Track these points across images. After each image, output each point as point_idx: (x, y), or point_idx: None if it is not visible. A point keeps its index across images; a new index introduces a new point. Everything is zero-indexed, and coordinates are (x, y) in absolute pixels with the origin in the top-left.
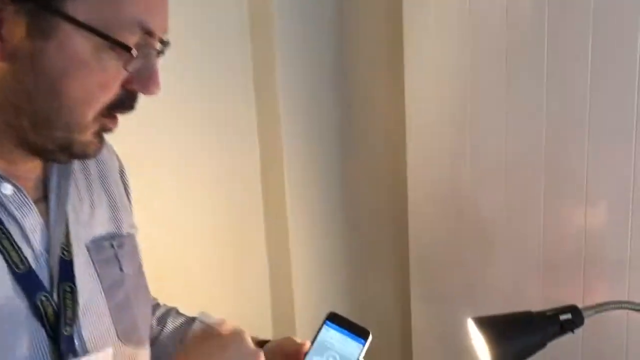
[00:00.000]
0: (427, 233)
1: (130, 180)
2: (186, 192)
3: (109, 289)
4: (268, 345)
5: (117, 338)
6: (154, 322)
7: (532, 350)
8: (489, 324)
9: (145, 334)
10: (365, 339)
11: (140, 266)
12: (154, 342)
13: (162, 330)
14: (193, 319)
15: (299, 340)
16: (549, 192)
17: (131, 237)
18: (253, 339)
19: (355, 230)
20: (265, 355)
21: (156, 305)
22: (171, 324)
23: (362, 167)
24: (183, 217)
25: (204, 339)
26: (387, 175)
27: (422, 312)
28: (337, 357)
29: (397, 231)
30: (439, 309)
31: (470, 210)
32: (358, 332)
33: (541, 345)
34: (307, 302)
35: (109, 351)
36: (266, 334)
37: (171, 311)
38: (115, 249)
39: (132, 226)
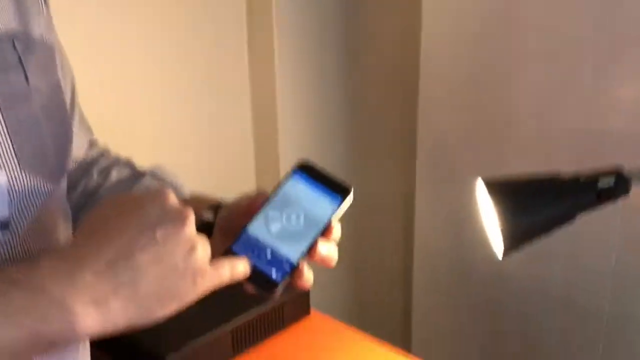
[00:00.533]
0: (438, 118)
1: None
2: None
3: (8, 102)
4: (224, 206)
5: (15, 163)
6: (95, 174)
7: (556, 223)
8: (503, 188)
9: (59, 168)
10: (344, 196)
11: (57, 84)
12: (92, 195)
13: (103, 182)
14: (144, 174)
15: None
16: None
17: (46, 46)
18: (210, 202)
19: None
20: (221, 220)
21: (102, 154)
22: (115, 176)
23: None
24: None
25: (117, 199)
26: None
27: (428, 194)
28: (302, 216)
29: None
30: (446, 190)
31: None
32: (335, 188)
33: (569, 216)
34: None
35: (2, 178)
36: (249, 186)
37: (119, 162)
38: (18, 52)
39: (50, 34)
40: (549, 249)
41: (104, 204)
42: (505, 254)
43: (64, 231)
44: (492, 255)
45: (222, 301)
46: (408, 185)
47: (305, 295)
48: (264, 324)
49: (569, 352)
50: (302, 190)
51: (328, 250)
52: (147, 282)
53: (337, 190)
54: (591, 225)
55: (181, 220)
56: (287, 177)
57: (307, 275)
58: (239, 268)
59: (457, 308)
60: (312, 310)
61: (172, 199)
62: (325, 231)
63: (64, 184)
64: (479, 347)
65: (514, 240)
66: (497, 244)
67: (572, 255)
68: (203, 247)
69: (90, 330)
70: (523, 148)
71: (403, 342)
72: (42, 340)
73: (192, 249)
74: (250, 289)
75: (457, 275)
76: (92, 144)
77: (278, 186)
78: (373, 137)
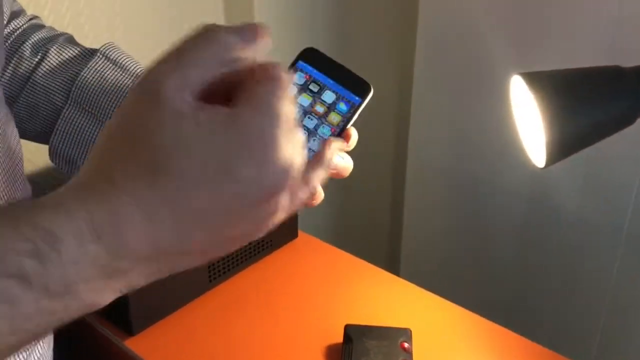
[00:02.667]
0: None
1: None
2: None
3: None
4: None
5: None
6: (27, 52)
7: (614, 125)
8: (548, 84)
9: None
10: (362, 96)
11: None
12: (26, 82)
13: (39, 63)
14: (93, 53)
15: None
16: None
17: None
18: None
19: None
20: None
21: (32, 25)
22: (55, 56)
23: None
24: None
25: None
26: None
27: (426, 96)
28: (311, 120)
29: None
30: (449, 92)
31: None
32: (351, 84)
33: (630, 116)
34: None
35: None
36: None
37: (57, 36)
38: None
39: None
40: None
41: (163, 101)
42: (548, 162)
43: (12, 134)
44: (500, 171)
45: None
46: (403, 85)
47: (292, 218)
48: (250, 247)
49: (580, 270)
50: (309, 87)
51: (344, 160)
52: (224, 249)
53: (354, 87)
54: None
55: (277, 189)
56: (289, 68)
57: (319, 192)
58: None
59: (452, 233)
60: (300, 233)
61: (283, 148)
62: (341, 137)
63: None
64: (472, 275)
65: (561, 147)
66: (536, 152)
67: (592, 174)
68: (291, 205)
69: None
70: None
71: (391, 266)
72: (44, 332)
73: (272, 214)
74: None
75: (455, 195)
76: (15, 12)
77: None
78: (364, 22)
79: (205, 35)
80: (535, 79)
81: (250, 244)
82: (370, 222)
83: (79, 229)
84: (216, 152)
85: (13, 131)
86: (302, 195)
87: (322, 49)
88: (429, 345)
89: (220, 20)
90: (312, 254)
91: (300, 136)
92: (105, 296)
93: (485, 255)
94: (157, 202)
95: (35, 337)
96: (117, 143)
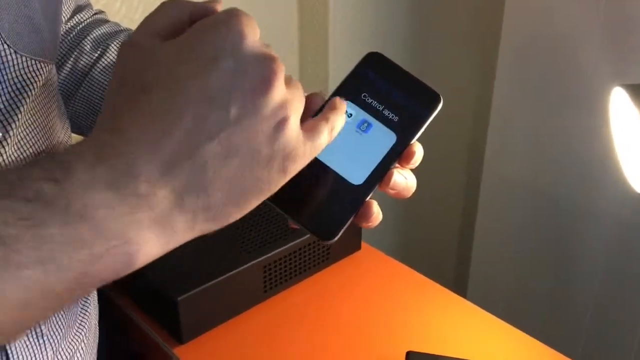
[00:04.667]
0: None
1: None
2: None
3: None
4: None
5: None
6: (88, 46)
7: None
8: None
9: (52, 39)
10: (430, 108)
11: None
12: (85, 75)
13: (99, 58)
14: None
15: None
16: None
17: None
18: None
19: None
20: None
21: (95, 20)
22: (115, 53)
23: None
24: None
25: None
26: None
27: (507, 107)
28: (372, 132)
29: None
30: (531, 104)
31: None
32: (418, 95)
33: None
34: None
35: None
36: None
37: (120, 32)
38: None
39: None
40: None
41: (138, 46)
42: None
43: (62, 130)
44: (586, 192)
45: (262, 228)
46: (482, 95)
47: (355, 228)
48: (309, 257)
49: None
50: (372, 96)
51: (405, 180)
52: (220, 184)
53: (421, 98)
54: None
55: (266, 77)
56: (351, 75)
57: (377, 213)
58: (338, 124)
59: (527, 258)
60: (363, 245)
61: (252, 35)
62: (403, 154)
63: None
64: (547, 308)
65: None
66: (637, 173)
67: None
68: (296, 111)
69: (149, 258)
70: None
71: (456, 287)
72: (86, 283)
73: (281, 123)
74: (298, 226)
75: (532, 216)
76: (80, 6)
77: (339, 88)
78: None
79: (163, 2)
80: None
81: (309, 253)
82: (438, 240)
83: (87, 154)
84: (188, 55)
85: (63, 125)
86: (318, 126)
87: (400, 55)
88: None
89: (294, 23)
90: (375, 269)
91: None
92: (140, 233)
93: (565, 287)
94: (152, 117)
95: (77, 285)
96: (112, 93)
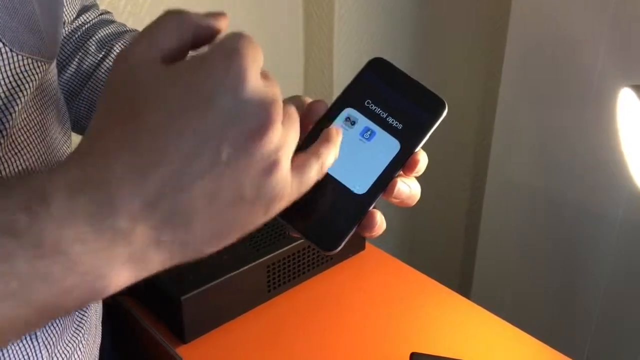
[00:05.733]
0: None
1: None
2: None
3: None
4: None
5: None
6: (93, 47)
7: None
8: None
9: (51, 38)
10: (435, 115)
11: None
12: (89, 76)
13: (104, 59)
14: None
15: (309, 100)
16: None
17: None
18: None
19: None
20: None
21: (101, 21)
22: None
23: None
24: None
25: (153, 66)
26: None
27: (513, 108)
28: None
29: None
30: (536, 105)
31: None
32: (423, 102)
33: None
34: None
35: None
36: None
37: (125, 32)
38: None
39: None
40: None
41: (134, 66)
42: None
43: (59, 131)
44: (592, 193)
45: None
46: (487, 96)
47: None
48: (313, 257)
49: None
50: (375, 102)
51: (409, 189)
52: (201, 223)
53: (425, 104)
54: None
55: (263, 123)
56: (355, 81)
57: (380, 223)
58: (330, 159)
59: (531, 259)
60: (368, 245)
61: (254, 73)
62: (407, 163)
63: (54, 62)
64: (552, 310)
65: None
66: None
67: None
68: (288, 154)
69: (118, 289)
70: None
71: (461, 288)
72: (56, 312)
73: (272, 166)
74: (299, 236)
75: (537, 217)
76: (86, 7)
77: (342, 95)
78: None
79: (166, 13)
80: None
81: (313, 253)
82: (443, 241)
83: (66, 182)
84: (186, 89)
85: (62, 127)
86: (308, 163)
87: (406, 57)
88: None
89: (299, 19)
90: (379, 269)
91: (274, 81)
92: (113, 269)
93: (571, 289)
94: (140, 148)
95: (43, 316)
96: (101, 113)
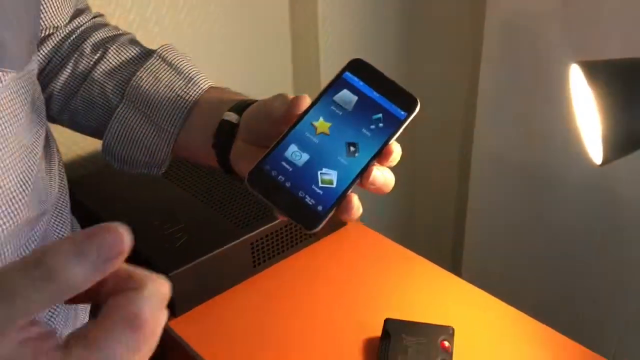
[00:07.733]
0: None
1: None
2: None
3: None
4: (250, 109)
5: None
6: (87, 49)
7: None
8: (607, 74)
9: (18, 52)
10: (408, 111)
11: None
12: (84, 79)
13: (98, 61)
14: (151, 53)
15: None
16: None
17: None
18: (234, 100)
19: None
20: (248, 121)
21: (95, 24)
22: (114, 55)
23: None
24: None
25: None
26: None
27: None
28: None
29: None
30: (517, 82)
31: None
32: (396, 98)
33: None
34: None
35: None
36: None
37: (119, 36)
38: None
39: None
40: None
41: None
42: (605, 160)
43: (29, 137)
44: (566, 164)
45: (243, 209)
46: (470, 74)
47: None
48: (297, 234)
49: None
50: (354, 99)
51: (384, 177)
52: None
53: (400, 101)
54: None
55: None
56: (336, 79)
57: (357, 207)
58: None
59: (516, 227)
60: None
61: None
62: (382, 153)
63: (30, 66)
64: (534, 274)
65: (621, 143)
66: (595, 147)
67: None
68: None
69: None
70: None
71: (453, 264)
72: None
73: None
74: (284, 217)
75: (523, 192)
76: (79, 10)
77: (324, 91)
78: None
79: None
80: (594, 68)
81: (297, 230)
82: (434, 217)
83: None
84: None
85: (33, 134)
86: None
87: (389, 37)
88: (471, 345)
89: (287, 34)
90: (360, 243)
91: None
92: None
93: (550, 254)
94: None
95: None
96: None
